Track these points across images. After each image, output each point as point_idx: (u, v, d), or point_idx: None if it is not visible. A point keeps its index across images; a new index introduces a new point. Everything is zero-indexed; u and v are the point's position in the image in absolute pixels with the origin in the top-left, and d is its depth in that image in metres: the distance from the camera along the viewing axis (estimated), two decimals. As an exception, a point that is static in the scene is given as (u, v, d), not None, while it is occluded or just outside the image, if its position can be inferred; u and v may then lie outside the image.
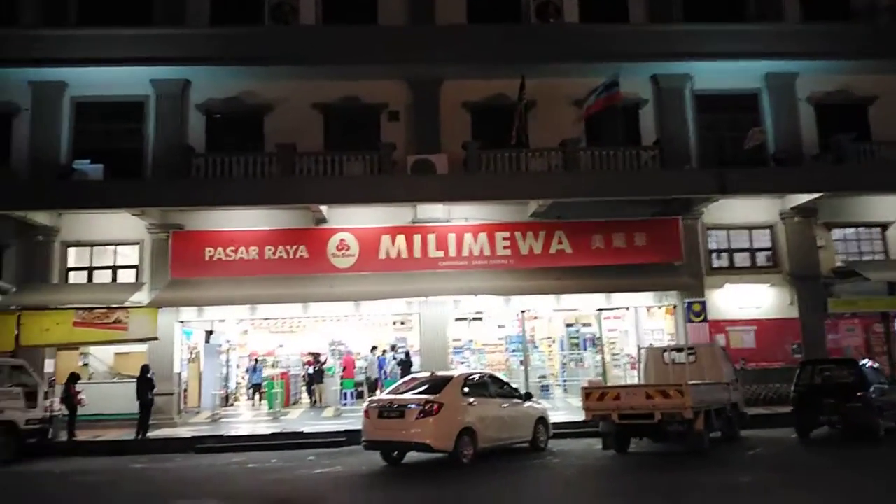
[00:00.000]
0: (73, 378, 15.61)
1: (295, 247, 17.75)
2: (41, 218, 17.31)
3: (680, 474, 10.42)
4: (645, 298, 18.73)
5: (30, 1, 18.94)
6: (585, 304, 18.99)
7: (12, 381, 14.28)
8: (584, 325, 20.51)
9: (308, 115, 18.71)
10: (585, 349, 20.23)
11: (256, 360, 21.99)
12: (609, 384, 17.47)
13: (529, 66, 17.90)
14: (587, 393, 12.47)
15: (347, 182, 17.30)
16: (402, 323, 20.72)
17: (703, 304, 17.83)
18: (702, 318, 17.65)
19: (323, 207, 17.42)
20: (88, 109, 18.58)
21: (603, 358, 19.14)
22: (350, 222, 17.98)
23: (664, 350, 14.96)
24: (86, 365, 17.91)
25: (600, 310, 19.08)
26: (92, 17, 18.89)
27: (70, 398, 15.24)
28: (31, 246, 17.52)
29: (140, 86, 18.21)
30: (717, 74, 19.00)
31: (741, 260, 19.03)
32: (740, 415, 14.16)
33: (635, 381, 17.15)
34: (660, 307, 19.08)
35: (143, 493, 10.01)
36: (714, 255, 18.95)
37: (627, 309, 19.66)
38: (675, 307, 18.48)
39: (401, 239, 17.95)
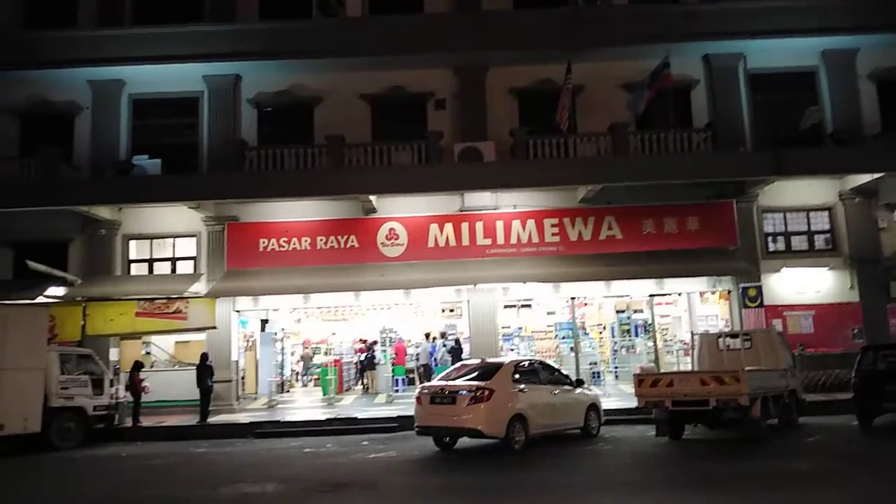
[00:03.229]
0: (137, 366, 16.26)
1: (346, 236, 18.06)
2: (103, 212, 18.00)
3: (736, 462, 10.27)
4: (698, 284, 18.43)
5: (87, 3, 19.58)
6: (637, 290, 18.77)
7: (80, 370, 14.91)
8: (636, 311, 20.30)
9: (356, 106, 18.91)
10: (637, 336, 20.02)
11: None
12: (662, 371, 17.27)
13: (577, 51, 17.71)
14: (640, 379, 12.37)
15: (395, 172, 17.44)
16: (452, 310, 20.85)
17: (759, 288, 17.43)
18: (758, 303, 17.27)
19: (372, 197, 17.63)
20: (145, 106, 19.18)
21: (655, 344, 18.91)
22: (399, 211, 18.16)
23: (719, 336, 14.70)
24: (148, 353, 18.58)
25: (652, 296, 18.83)
26: (146, 16, 19.43)
27: (134, 385, 15.88)
28: (95, 239, 18.23)
29: (194, 82, 18.68)
30: (771, 52, 18.42)
31: (799, 243, 18.51)
32: (799, 401, 13.84)
33: (688, 367, 16.96)
34: (713, 292, 18.75)
35: (206, 475, 10.38)
36: (770, 238, 18.48)
37: (680, 295, 19.37)
38: (729, 292, 18.14)
39: (449, 227, 18.07)
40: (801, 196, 18.35)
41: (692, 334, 15.87)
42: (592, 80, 18.46)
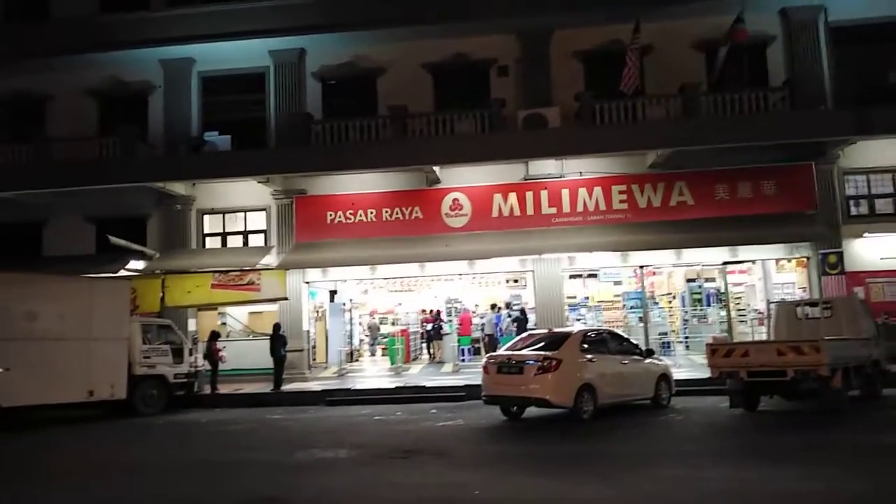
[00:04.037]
0: (214, 336, 16.90)
1: (410, 208, 18.19)
2: (178, 188, 18.65)
3: (815, 434, 9.92)
4: (774, 251, 17.76)
5: (157, -17, 20.09)
6: (709, 258, 18.20)
7: (161, 340, 15.58)
8: (708, 279, 19.71)
9: (418, 76, 18.85)
10: (709, 305, 19.47)
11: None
12: (735, 341, 16.78)
13: (645, 9, 17.09)
14: (713, 349, 12.03)
15: (459, 141, 17.37)
16: (516, 281, 20.78)
17: (840, 254, 16.67)
18: (838, 270, 16.53)
19: (436, 168, 17.62)
20: (214, 83, 19.65)
21: (728, 314, 18.36)
22: (462, 181, 18.12)
23: (797, 304, 14.15)
24: (224, 324, 19.30)
25: (725, 263, 18.25)
26: (212, -7, 19.78)
27: (212, 354, 16.53)
28: (171, 214, 18.94)
29: (260, 57, 18.98)
30: (855, 3, 17.29)
31: (883, 206, 17.54)
32: (882, 372, 13.21)
33: (763, 337, 16.43)
34: (790, 259, 18.03)
35: (282, 441, 10.75)
36: (852, 201, 17.57)
37: (754, 262, 18.71)
38: (807, 259, 17.42)
39: (513, 196, 17.95)
40: (887, 156, 17.32)
41: (768, 303, 15.38)
42: (662, 39, 17.81)
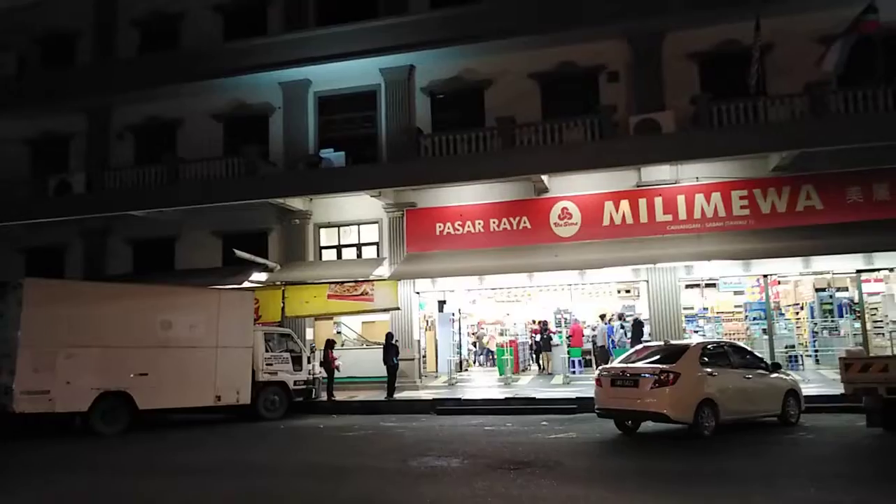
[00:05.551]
0: (330, 344, 17.51)
1: (518, 218, 18.14)
2: (297, 203, 19.53)
3: (972, 459, 8.99)
4: (915, 258, 16.29)
5: (275, 10, 21.24)
6: (840, 265, 16.96)
7: (282, 348, 16.33)
8: (839, 289, 18.35)
9: (525, 86, 18.78)
10: (841, 316, 18.11)
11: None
12: (872, 355, 15.51)
13: (764, 4, 16.20)
14: (847, 364, 11.20)
15: (567, 149, 17.10)
16: (628, 291, 20.20)
17: None
18: None
19: (544, 177, 17.48)
20: (329, 102, 20.44)
21: (863, 325, 16.99)
22: (571, 190, 17.88)
23: (945, 316, 12.90)
24: (339, 333, 19.96)
25: (859, 272, 16.91)
26: (327, 17, 20.62)
27: (328, 362, 17.12)
28: (290, 228, 19.85)
29: (371, 76, 19.57)
30: None
31: None
32: None
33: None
34: (934, 267, 16.47)
35: (396, 448, 10.95)
36: None
37: (892, 270, 17.23)
38: (955, 266, 15.84)
39: (625, 204, 17.50)
40: None
41: (910, 314, 14.09)
42: (783, 36, 16.81)
